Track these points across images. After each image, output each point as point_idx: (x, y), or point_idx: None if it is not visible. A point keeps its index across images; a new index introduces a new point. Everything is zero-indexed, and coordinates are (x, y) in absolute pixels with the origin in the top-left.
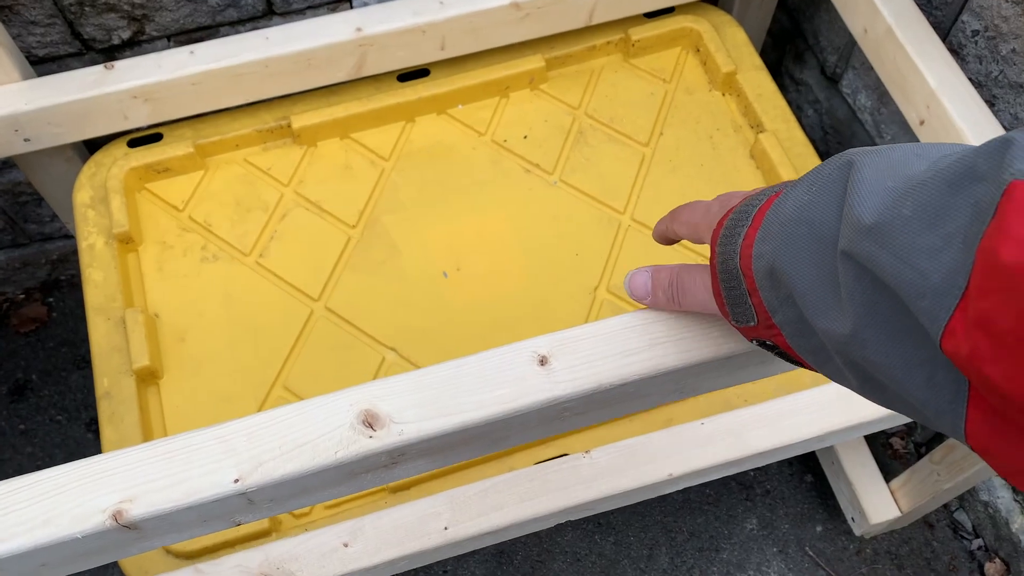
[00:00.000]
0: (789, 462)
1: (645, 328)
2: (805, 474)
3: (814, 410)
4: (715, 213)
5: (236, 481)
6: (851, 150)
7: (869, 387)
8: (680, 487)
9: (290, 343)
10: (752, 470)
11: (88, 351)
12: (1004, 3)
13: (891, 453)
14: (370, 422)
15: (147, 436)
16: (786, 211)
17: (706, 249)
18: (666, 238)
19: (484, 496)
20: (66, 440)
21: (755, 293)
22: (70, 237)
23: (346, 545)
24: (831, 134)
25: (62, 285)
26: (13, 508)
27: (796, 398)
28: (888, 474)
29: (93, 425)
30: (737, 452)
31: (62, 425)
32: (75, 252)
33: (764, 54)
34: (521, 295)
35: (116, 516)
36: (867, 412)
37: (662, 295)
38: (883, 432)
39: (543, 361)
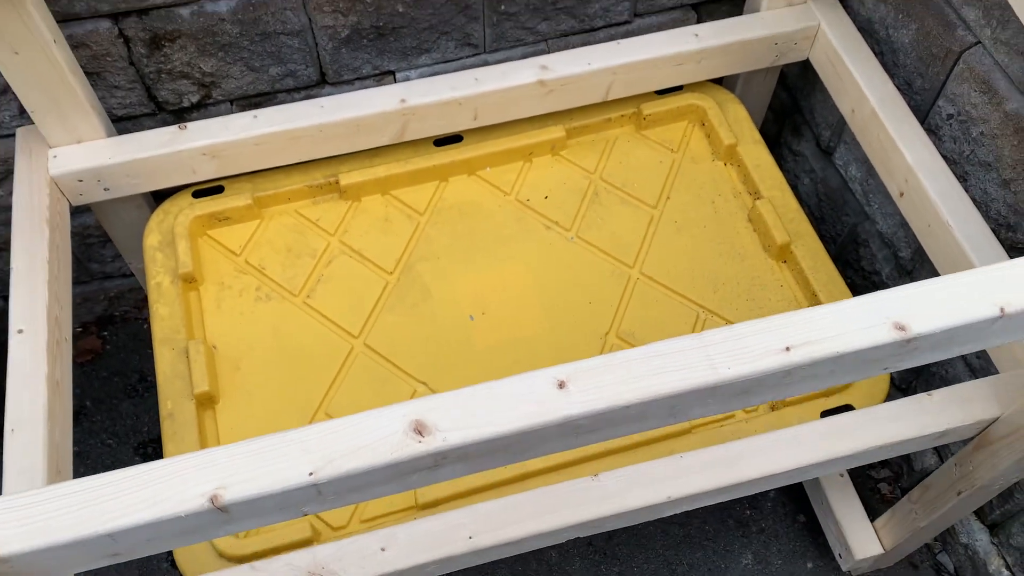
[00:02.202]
0: (783, 502)
1: (646, 361)
2: (797, 514)
3: (798, 444)
4: None
5: (311, 474)
6: None
7: None
8: (679, 510)
9: (332, 375)
10: (748, 509)
11: (138, 381)
12: (973, 92)
13: (879, 498)
14: (419, 430)
15: None
16: None
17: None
18: None
19: (504, 511)
20: (116, 462)
21: None
22: (127, 276)
23: (383, 549)
24: (825, 201)
25: (116, 320)
26: (130, 491)
27: (782, 433)
28: (876, 517)
29: (141, 449)
30: (729, 479)
31: (112, 448)
32: (131, 290)
33: (765, 127)
34: (539, 338)
35: (213, 499)
36: (847, 447)
37: None
38: (872, 477)
39: (561, 385)
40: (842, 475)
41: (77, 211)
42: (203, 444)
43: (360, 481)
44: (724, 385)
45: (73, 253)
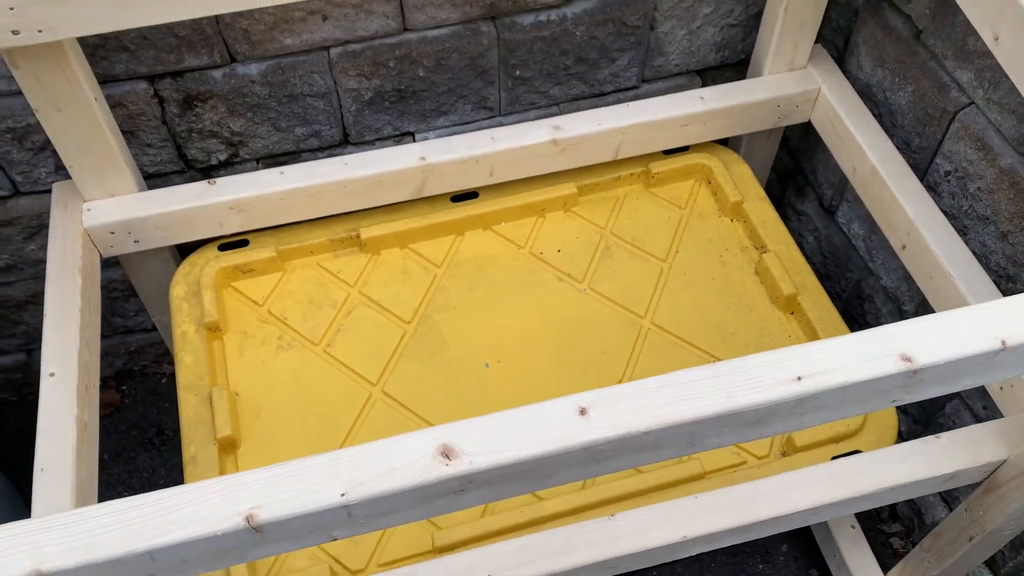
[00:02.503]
0: (795, 556)
1: (664, 390)
2: (810, 568)
3: (810, 484)
4: None
5: (342, 495)
6: None
7: None
8: (695, 551)
9: (351, 421)
10: (760, 563)
11: (156, 435)
12: (969, 149)
13: (891, 552)
14: (447, 454)
15: None
16: None
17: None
18: None
19: (523, 550)
20: None
21: None
22: (148, 331)
23: None
24: (829, 259)
25: (135, 375)
26: (170, 510)
27: (794, 475)
28: (888, 571)
29: None
30: (743, 519)
31: None
32: (151, 345)
33: (769, 188)
34: (553, 385)
35: (249, 518)
36: (857, 487)
37: None
38: (884, 532)
39: (583, 412)
40: (854, 527)
41: (103, 265)
42: None
43: (389, 504)
44: (739, 413)
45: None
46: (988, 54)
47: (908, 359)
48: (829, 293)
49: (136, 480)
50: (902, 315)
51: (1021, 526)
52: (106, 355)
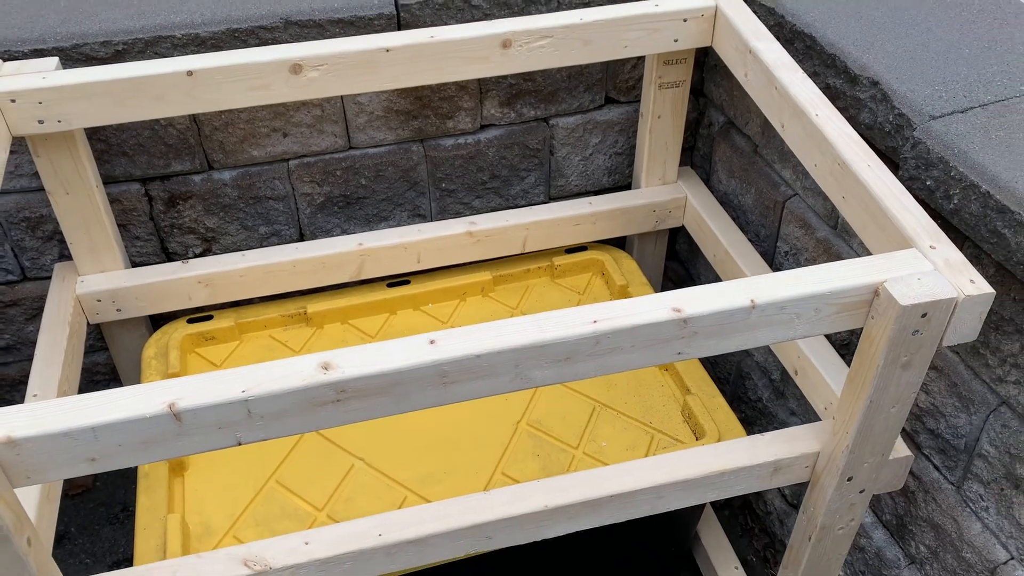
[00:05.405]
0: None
1: (495, 329)
2: None
3: (655, 468)
4: None
5: (243, 391)
6: None
7: None
8: (560, 528)
9: (287, 450)
10: None
11: (121, 511)
12: (797, 230)
13: None
14: (326, 367)
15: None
16: None
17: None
18: None
19: (409, 515)
20: None
21: None
22: None
23: (307, 543)
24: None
25: None
26: (110, 401)
27: (643, 461)
28: None
29: (114, 567)
30: (597, 493)
31: (89, 566)
32: None
33: None
34: (466, 422)
35: (171, 406)
36: (694, 470)
37: None
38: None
39: (432, 342)
40: (737, 567)
41: (90, 351)
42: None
43: (281, 404)
44: (549, 345)
45: (80, 391)
46: None
47: (678, 310)
48: (714, 378)
49: (98, 549)
50: (772, 384)
51: (846, 520)
52: None
